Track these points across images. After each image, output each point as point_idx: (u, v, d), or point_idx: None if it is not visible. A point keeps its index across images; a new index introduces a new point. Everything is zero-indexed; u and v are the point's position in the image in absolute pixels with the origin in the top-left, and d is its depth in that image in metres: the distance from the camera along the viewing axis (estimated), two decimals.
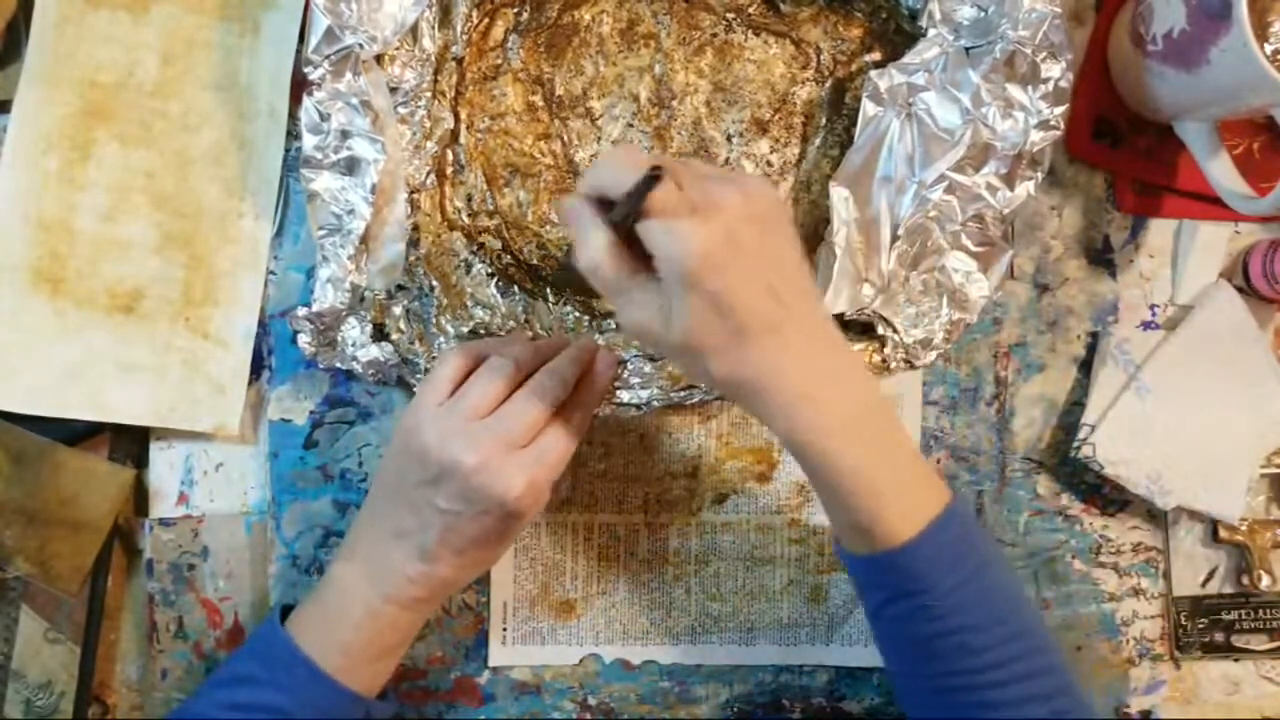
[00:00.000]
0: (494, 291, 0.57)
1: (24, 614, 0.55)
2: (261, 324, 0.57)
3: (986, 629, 0.44)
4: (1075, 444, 0.59)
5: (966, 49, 0.53)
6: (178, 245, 0.56)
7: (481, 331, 0.56)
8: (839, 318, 0.54)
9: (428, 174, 0.56)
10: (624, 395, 0.54)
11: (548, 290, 0.58)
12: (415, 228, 0.56)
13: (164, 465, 0.57)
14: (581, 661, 0.59)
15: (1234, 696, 0.61)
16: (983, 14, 0.53)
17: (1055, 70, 0.52)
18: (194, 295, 0.56)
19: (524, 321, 0.57)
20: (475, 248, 0.58)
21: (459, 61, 0.57)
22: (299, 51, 0.56)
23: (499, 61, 0.58)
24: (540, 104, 0.58)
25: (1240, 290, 0.60)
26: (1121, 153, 0.59)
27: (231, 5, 0.56)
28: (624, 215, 0.41)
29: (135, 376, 0.55)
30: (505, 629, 0.59)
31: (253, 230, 0.57)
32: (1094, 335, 0.60)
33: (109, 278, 0.56)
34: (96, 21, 0.55)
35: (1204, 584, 0.61)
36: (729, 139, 0.59)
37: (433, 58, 0.55)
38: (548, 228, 0.58)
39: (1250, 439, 0.59)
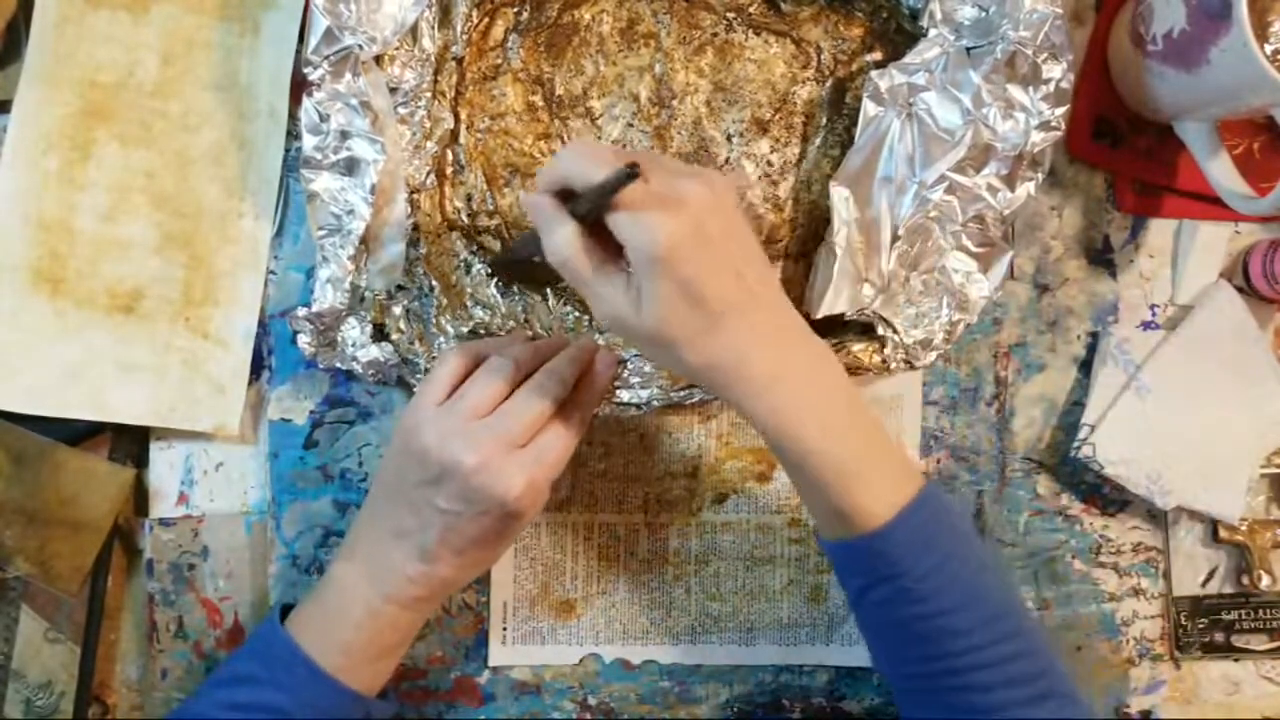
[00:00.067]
0: (494, 291, 0.58)
1: (24, 614, 0.55)
2: (261, 324, 0.57)
3: (966, 611, 0.45)
4: (1075, 444, 0.59)
5: (967, 49, 0.53)
6: (178, 245, 0.56)
7: (481, 331, 0.56)
8: (839, 318, 0.54)
9: (428, 174, 0.56)
10: (624, 395, 0.54)
11: (547, 290, 0.58)
12: (415, 228, 0.56)
13: (164, 465, 0.57)
14: (581, 661, 0.59)
15: (1234, 696, 0.61)
16: (984, 14, 0.53)
17: (1056, 71, 0.52)
18: (194, 295, 0.56)
19: (524, 321, 0.57)
20: (475, 248, 0.58)
21: (459, 61, 0.57)
22: (299, 51, 0.56)
23: (499, 61, 0.58)
24: (540, 104, 0.58)
25: (1240, 290, 0.60)
26: (1121, 153, 0.59)
27: (231, 5, 0.56)
28: (590, 208, 0.42)
29: (135, 376, 0.55)
30: (505, 629, 0.59)
31: (253, 230, 0.57)
32: (1094, 335, 0.60)
33: (109, 278, 0.55)
34: (96, 21, 0.55)
35: (1204, 584, 0.61)
36: (729, 139, 0.59)
37: (433, 58, 0.55)
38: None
39: (1250, 439, 0.59)
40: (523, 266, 0.58)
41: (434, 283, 0.56)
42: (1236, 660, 0.61)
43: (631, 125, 0.58)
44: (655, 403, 0.54)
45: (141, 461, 0.57)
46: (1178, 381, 0.59)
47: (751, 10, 0.58)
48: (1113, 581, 0.61)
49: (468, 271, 0.58)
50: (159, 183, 0.56)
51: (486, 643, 0.59)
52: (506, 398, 0.46)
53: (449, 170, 0.58)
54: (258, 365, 0.57)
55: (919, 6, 0.55)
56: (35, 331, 0.55)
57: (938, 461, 0.60)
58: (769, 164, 0.59)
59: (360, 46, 0.50)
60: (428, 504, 0.46)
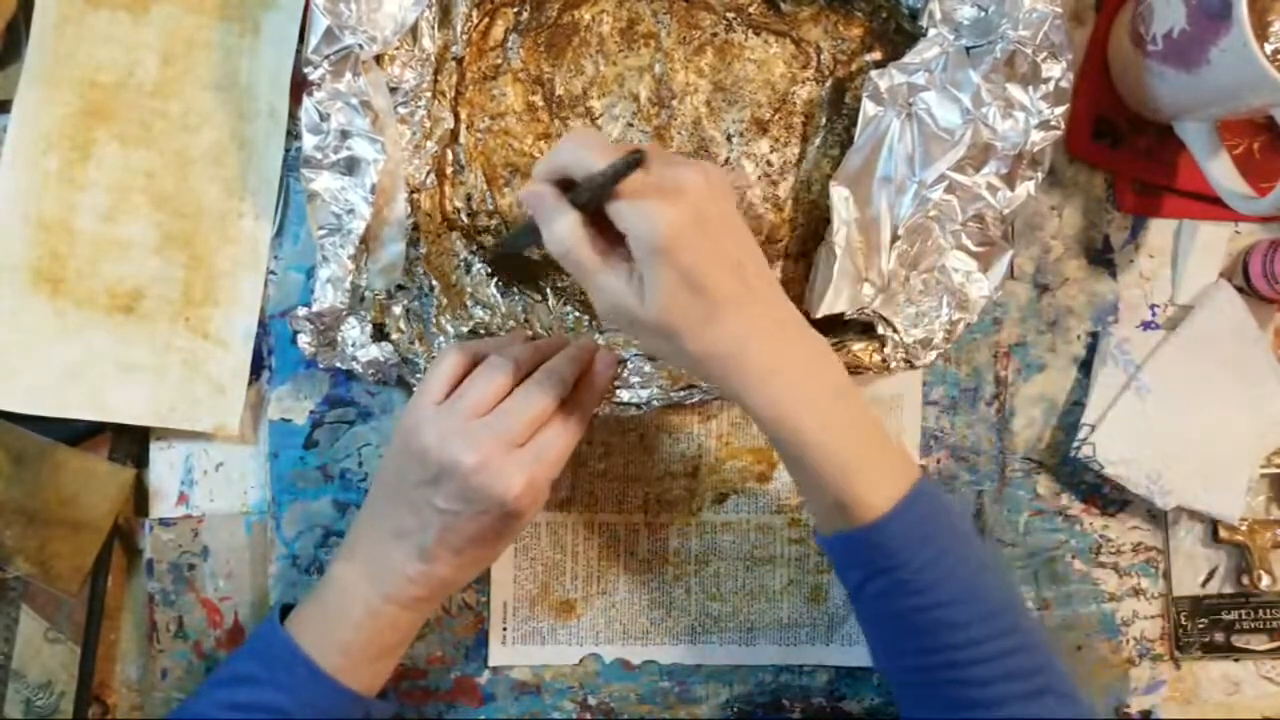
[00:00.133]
0: (494, 291, 0.58)
1: (24, 614, 0.55)
2: (261, 324, 0.57)
3: (964, 604, 0.45)
4: (1075, 444, 0.59)
5: (967, 49, 0.53)
6: (178, 245, 0.56)
7: (481, 331, 0.56)
8: (839, 317, 0.54)
9: (428, 174, 0.56)
10: (624, 395, 0.54)
11: (547, 290, 0.58)
12: (415, 228, 0.56)
13: (164, 465, 0.57)
14: (581, 661, 0.59)
15: (1234, 696, 0.61)
16: (983, 14, 0.53)
17: (1056, 70, 0.52)
18: (194, 295, 0.56)
19: (524, 321, 0.57)
20: (475, 248, 0.58)
21: (459, 61, 0.57)
22: (299, 51, 0.56)
23: (499, 61, 0.58)
24: (540, 104, 0.58)
25: (1240, 290, 0.60)
26: (1121, 153, 0.59)
27: (231, 5, 0.56)
28: (590, 197, 0.42)
29: (135, 376, 0.55)
30: (505, 629, 0.59)
31: (253, 230, 0.57)
32: (1094, 335, 0.60)
33: (109, 278, 0.56)
34: (96, 21, 0.55)
35: (1204, 584, 0.61)
36: (729, 139, 0.59)
37: (433, 58, 0.55)
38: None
39: (1250, 439, 0.59)
40: (515, 260, 0.58)
41: (434, 283, 0.56)
42: (1236, 660, 0.61)
43: (631, 125, 0.58)
44: (655, 403, 0.54)
45: (141, 461, 0.57)
46: (1178, 381, 0.59)
47: (751, 10, 0.59)
48: (1113, 581, 0.61)
49: (468, 271, 0.58)
50: (159, 183, 0.56)
51: (486, 643, 0.59)
52: (506, 397, 0.46)
53: (449, 170, 0.58)
54: (258, 365, 0.57)
55: (919, 6, 0.55)
56: (35, 331, 0.55)
57: (938, 461, 0.60)
58: (769, 164, 0.59)
59: (360, 46, 0.50)
60: (427, 503, 0.46)
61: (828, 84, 0.59)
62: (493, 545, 0.48)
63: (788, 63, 0.59)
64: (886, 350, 0.55)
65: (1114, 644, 0.61)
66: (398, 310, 0.55)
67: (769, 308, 0.45)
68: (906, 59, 0.54)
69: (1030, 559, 0.60)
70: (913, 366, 0.56)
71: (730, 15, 0.58)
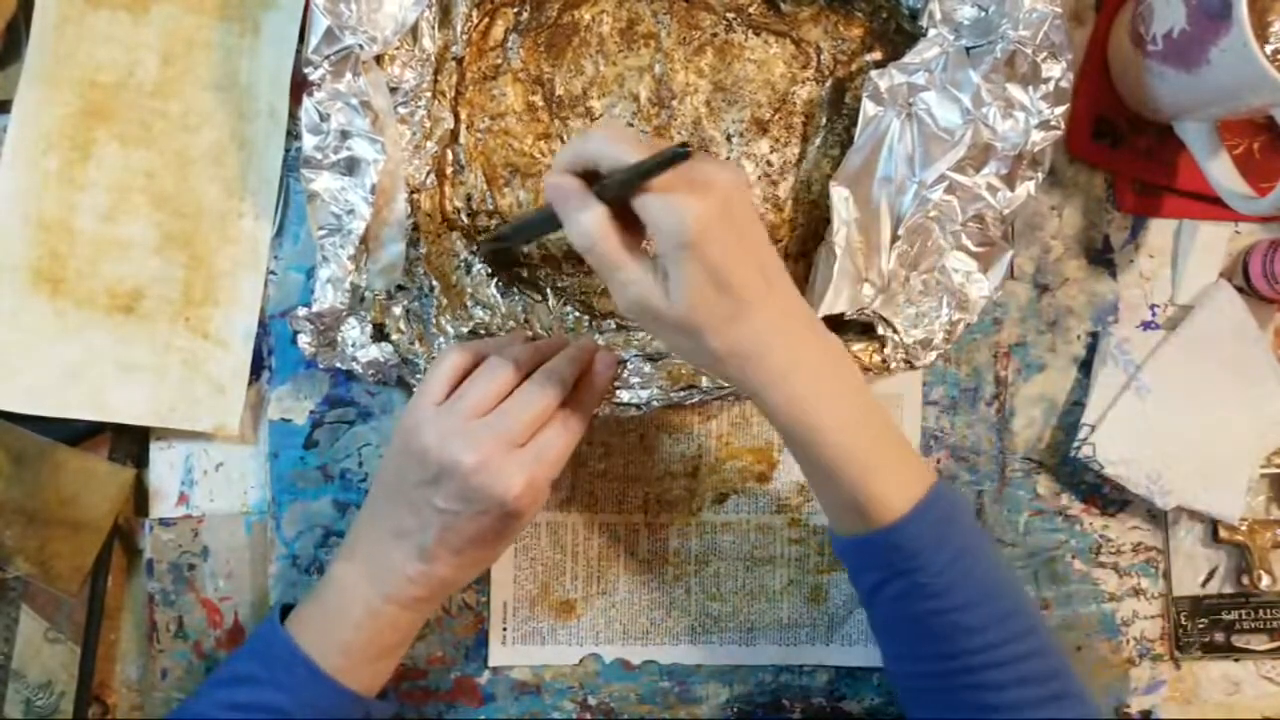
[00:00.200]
0: (494, 291, 0.57)
1: (24, 614, 0.55)
2: (261, 324, 0.57)
3: (980, 607, 0.45)
4: (1075, 444, 0.59)
5: (967, 49, 0.53)
6: (178, 245, 0.56)
7: (481, 331, 0.56)
8: (839, 318, 0.54)
9: (428, 174, 0.56)
10: (624, 395, 0.54)
11: (547, 290, 0.58)
12: (415, 228, 0.56)
13: (164, 465, 0.57)
14: (581, 661, 0.59)
15: (1234, 696, 0.61)
16: (983, 14, 0.53)
17: (1056, 70, 0.52)
18: (194, 295, 0.56)
19: (524, 321, 0.57)
20: (475, 248, 0.58)
21: (459, 61, 0.57)
22: (299, 51, 0.56)
23: (499, 61, 0.58)
24: (540, 104, 0.58)
25: (1240, 290, 0.60)
26: (1121, 153, 0.59)
27: (231, 5, 0.56)
28: (620, 189, 0.41)
29: (135, 376, 0.55)
30: (505, 629, 0.59)
31: (253, 230, 0.57)
32: (1094, 335, 0.60)
33: (109, 278, 0.56)
34: (96, 21, 0.55)
35: (1204, 584, 0.61)
36: (729, 139, 0.59)
37: (433, 58, 0.55)
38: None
39: (1250, 439, 0.59)
40: (509, 254, 0.57)
41: (434, 283, 0.56)
42: (1236, 660, 0.61)
43: (631, 125, 0.58)
44: (655, 403, 0.54)
45: (141, 461, 0.57)
46: (1178, 381, 0.59)
47: (751, 10, 0.58)
48: (1113, 581, 0.61)
49: (468, 271, 0.58)
50: (159, 183, 0.56)
51: (486, 643, 0.59)
52: (506, 397, 0.46)
53: (449, 170, 0.58)
54: (258, 365, 0.57)
55: (919, 6, 0.55)
56: (35, 331, 0.55)
57: (938, 461, 0.60)
58: (769, 164, 0.59)
59: (360, 46, 0.50)
60: (427, 503, 0.46)
61: (828, 84, 0.59)
62: (493, 545, 0.48)
63: (788, 63, 0.59)
64: (886, 351, 0.55)
65: (1114, 644, 0.61)
66: (398, 310, 0.55)
67: (789, 306, 0.45)
68: (906, 59, 0.54)
69: (1030, 559, 0.60)
70: (913, 367, 0.56)
71: (730, 15, 0.58)
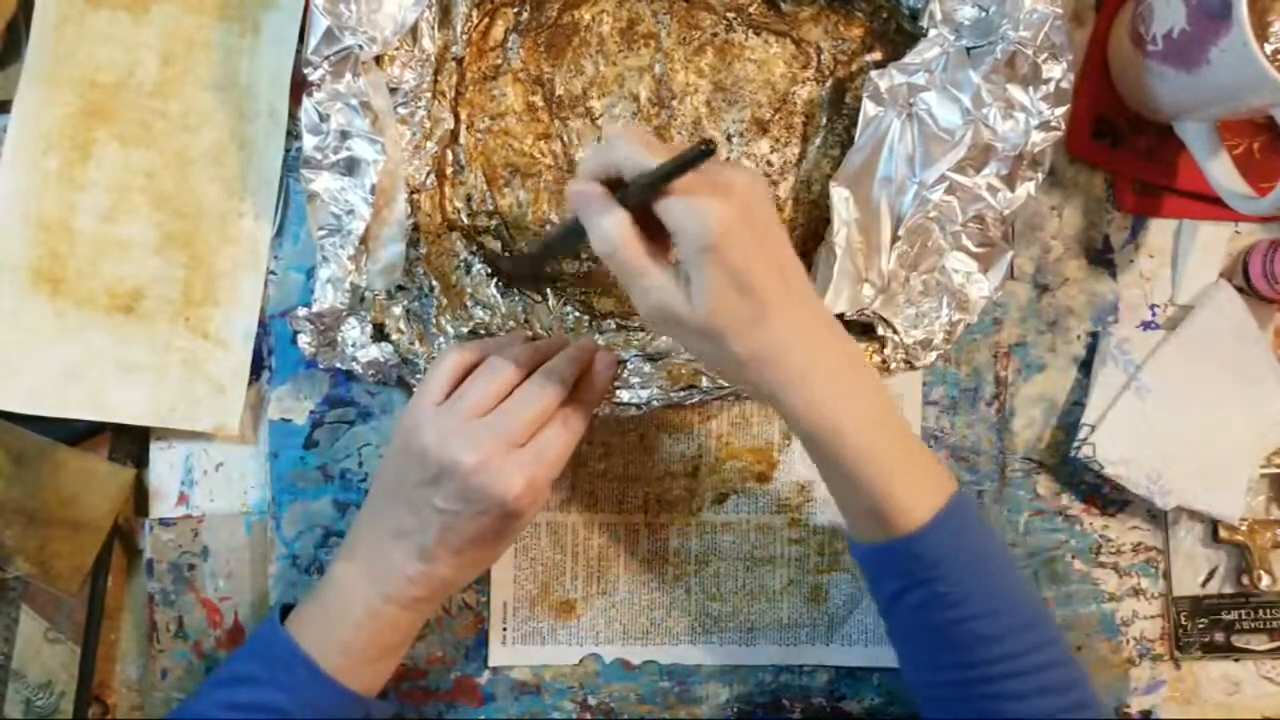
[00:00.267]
0: (494, 291, 0.57)
1: (24, 614, 0.55)
2: (261, 324, 0.57)
3: (1000, 617, 0.45)
4: (1075, 444, 0.59)
5: (967, 49, 0.53)
6: (178, 245, 0.56)
7: (481, 331, 0.56)
8: (839, 318, 0.54)
9: (428, 174, 0.56)
10: (624, 395, 0.54)
11: (547, 290, 0.58)
12: (415, 228, 0.56)
13: (164, 465, 0.57)
14: (581, 661, 0.59)
15: (1234, 696, 0.61)
16: (984, 14, 0.53)
17: (1056, 71, 0.52)
18: (194, 295, 0.56)
19: (524, 321, 0.57)
20: (475, 248, 0.58)
21: (459, 61, 0.57)
22: (299, 52, 0.56)
23: (499, 61, 0.58)
24: (540, 104, 0.58)
25: (1240, 290, 0.60)
26: (1121, 153, 0.59)
27: (231, 5, 0.56)
28: (642, 194, 0.41)
29: (135, 376, 0.55)
30: (505, 629, 0.59)
31: (253, 230, 0.57)
32: (1094, 335, 0.60)
33: (109, 278, 0.56)
34: (96, 21, 0.55)
35: (1204, 584, 0.61)
36: (729, 139, 0.59)
37: (433, 58, 0.55)
38: (548, 228, 0.58)
39: (1250, 439, 0.59)
40: (537, 271, 0.57)
41: (434, 283, 0.56)
42: (1236, 660, 0.61)
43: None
44: (655, 403, 0.54)
45: (141, 461, 0.57)
46: (1178, 381, 0.59)
47: (751, 10, 0.58)
48: (1113, 581, 0.61)
49: (468, 271, 0.58)
50: (159, 183, 0.56)
51: (486, 643, 0.59)
52: (506, 397, 0.46)
53: (449, 170, 0.58)
54: (258, 365, 0.57)
55: (919, 6, 0.55)
56: (35, 331, 0.55)
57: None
58: (769, 164, 0.59)
59: (360, 46, 0.50)
60: (427, 503, 0.46)
61: (828, 84, 0.59)
62: (493, 545, 0.48)
63: (788, 63, 0.59)
64: (886, 351, 0.55)
65: (1114, 644, 0.61)
66: (398, 311, 0.55)
67: (809, 309, 0.44)
68: (907, 59, 0.54)
69: (1030, 559, 0.60)
70: (913, 367, 0.56)
71: (730, 15, 0.58)
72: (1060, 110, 0.52)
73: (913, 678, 0.49)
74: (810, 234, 0.58)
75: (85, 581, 0.55)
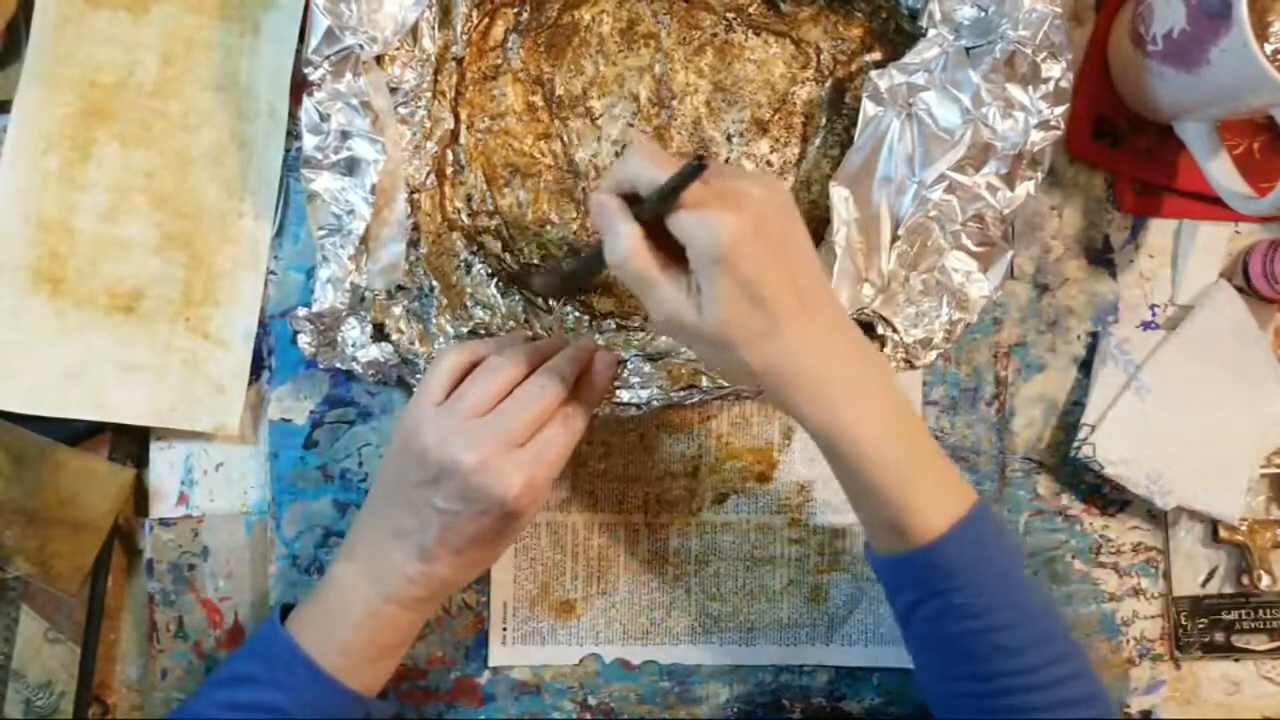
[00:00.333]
0: (494, 291, 0.57)
1: (24, 614, 0.55)
2: (261, 324, 0.57)
3: (1020, 629, 0.45)
4: (1075, 444, 0.59)
5: (967, 49, 0.53)
6: (178, 245, 0.56)
7: (481, 331, 0.56)
8: None
9: (428, 174, 0.56)
10: (624, 395, 0.54)
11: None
12: (415, 228, 0.56)
13: (164, 465, 0.57)
14: (581, 661, 0.59)
15: (1234, 696, 0.61)
16: (983, 14, 0.53)
17: (1055, 70, 0.52)
18: (194, 295, 0.56)
19: (524, 321, 0.57)
20: (475, 248, 0.58)
21: (459, 61, 0.57)
22: (299, 51, 0.56)
23: (499, 61, 0.58)
24: (540, 104, 0.58)
25: (1240, 290, 0.60)
26: (1121, 153, 0.59)
27: (231, 5, 0.56)
28: (655, 208, 0.42)
29: (135, 376, 0.55)
30: (505, 629, 0.59)
31: (253, 230, 0.57)
32: (1094, 335, 0.60)
33: (109, 278, 0.56)
34: (96, 21, 0.55)
35: (1204, 584, 0.61)
36: (729, 139, 0.59)
37: (433, 58, 0.55)
38: (548, 228, 0.58)
39: (1250, 439, 0.59)
40: (571, 283, 0.57)
41: (434, 283, 0.56)
42: (1236, 660, 0.61)
43: (631, 125, 0.58)
44: (655, 403, 0.54)
45: (141, 461, 0.57)
46: (1178, 381, 0.59)
47: (751, 10, 0.59)
48: (1113, 581, 0.61)
49: (468, 271, 0.58)
50: (159, 183, 0.56)
51: (486, 643, 0.59)
52: (506, 397, 0.46)
53: (449, 170, 0.58)
54: (258, 365, 0.57)
55: (918, 6, 0.55)
56: (35, 331, 0.55)
57: None
58: (769, 164, 0.59)
59: (360, 46, 0.50)
60: (427, 503, 0.46)
61: (828, 84, 0.59)
62: (493, 545, 0.48)
63: (788, 63, 0.59)
64: (886, 350, 0.55)
65: (1114, 644, 0.61)
66: (398, 311, 0.55)
67: (827, 320, 0.44)
68: (906, 59, 0.54)
69: (1030, 559, 0.60)
70: (913, 367, 0.56)
71: (730, 15, 0.58)
72: (1060, 109, 0.52)
73: (929, 686, 0.49)
74: (810, 234, 0.58)
75: (85, 581, 0.55)
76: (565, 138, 0.58)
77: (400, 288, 0.55)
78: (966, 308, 0.55)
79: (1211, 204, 0.57)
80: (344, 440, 0.58)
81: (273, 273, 0.57)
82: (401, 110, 0.54)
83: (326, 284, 0.52)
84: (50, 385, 0.55)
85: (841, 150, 0.58)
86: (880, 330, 0.55)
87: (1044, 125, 0.52)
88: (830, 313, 0.45)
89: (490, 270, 0.58)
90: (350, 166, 0.51)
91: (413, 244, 0.56)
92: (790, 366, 0.43)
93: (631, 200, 0.43)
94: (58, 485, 0.54)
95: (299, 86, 0.56)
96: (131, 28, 0.56)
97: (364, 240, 0.52)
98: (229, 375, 0.56)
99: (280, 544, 0.58)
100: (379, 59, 0.53)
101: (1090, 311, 0.60)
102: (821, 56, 0.59)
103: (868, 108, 0.54)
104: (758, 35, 0.59)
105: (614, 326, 0.58)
